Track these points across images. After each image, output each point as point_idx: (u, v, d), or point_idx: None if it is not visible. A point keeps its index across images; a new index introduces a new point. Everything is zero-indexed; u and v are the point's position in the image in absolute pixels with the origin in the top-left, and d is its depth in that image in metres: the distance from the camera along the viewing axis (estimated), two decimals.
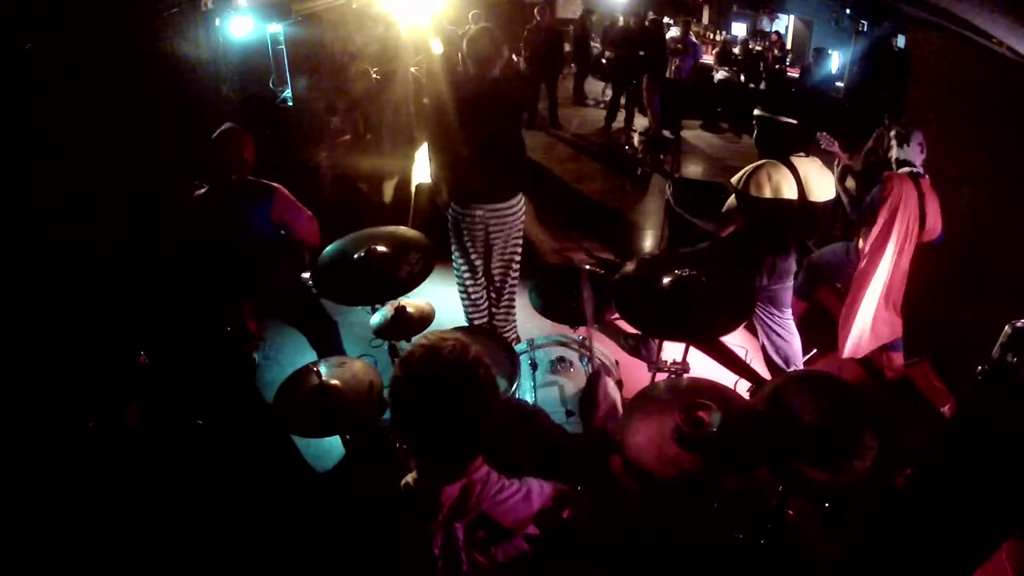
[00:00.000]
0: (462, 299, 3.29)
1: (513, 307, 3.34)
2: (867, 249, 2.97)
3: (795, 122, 2.60)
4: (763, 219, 2.64)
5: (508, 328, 3.36)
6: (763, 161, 2.62)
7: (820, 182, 2.61)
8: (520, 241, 3.14)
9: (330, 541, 2.27)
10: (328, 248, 2.45)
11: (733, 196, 2.68)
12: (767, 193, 2.56)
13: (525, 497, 1.13)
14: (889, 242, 2.91)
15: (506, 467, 1.16)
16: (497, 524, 1.09)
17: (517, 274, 3.22)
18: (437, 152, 2.97)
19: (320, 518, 2.39)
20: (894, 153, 2.96)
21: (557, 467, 2.20)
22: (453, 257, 3.16)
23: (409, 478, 1.15)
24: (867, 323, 3.06)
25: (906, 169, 2.91)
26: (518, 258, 3.18)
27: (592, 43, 9.23)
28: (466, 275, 3.17)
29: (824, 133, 3.05)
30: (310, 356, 2.83)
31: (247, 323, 3.40)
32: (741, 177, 2.64)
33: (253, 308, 3.37)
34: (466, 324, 3.28)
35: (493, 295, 3.29)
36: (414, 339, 2.50)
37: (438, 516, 1.08)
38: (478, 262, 3.12)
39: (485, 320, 3.34)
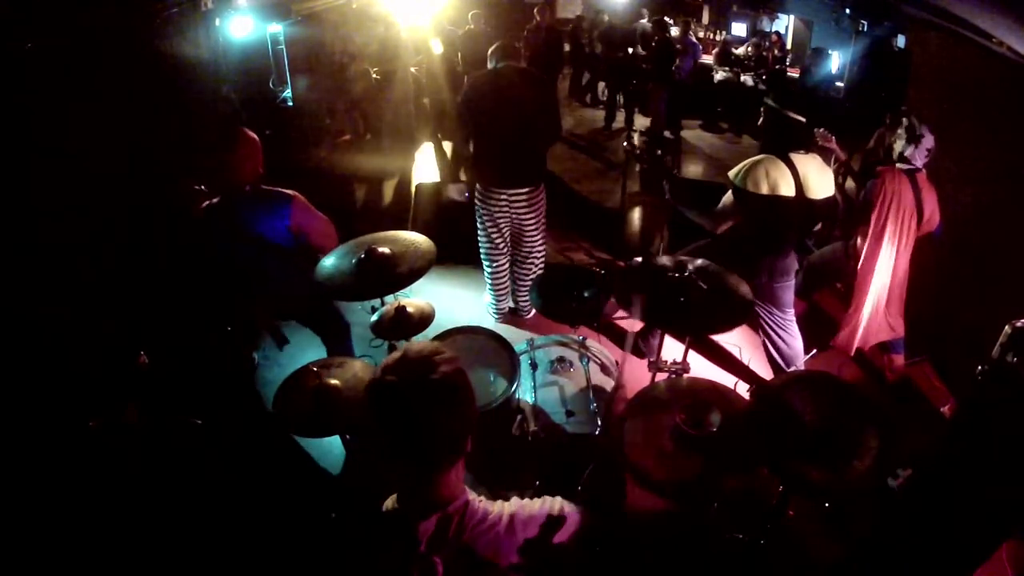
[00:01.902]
0: (486, 271, 3.69)
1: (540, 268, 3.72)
2: (864, 247, 2.96)
3: (804, 120, 2.58)
4: (760, 216, 2.62)
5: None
6: (761, 157, 2.60)
7: (819, 179, 2.59)
8: (544, 222, 3.52)
9: (327, 545, 2.27)
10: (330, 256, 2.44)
11: (730, 192, 2.66)
12: (764, 190, 2.54)
13: (508, 528, 1.11)
14: (884, 239, 2.89)
15: (508, 470, 1.15)
16: (480, 557, 1.07)
17: (543, 251, 3.67)
18: (474, 139, 3.31)
19: (318, 521, 2.39)
20: (898, 146, 2.89)
21: (557, 469, 2.20)
22: (479, 232, 3.56)
23: (390, 502, 1.14)
24: (868, 321, 3.06)
25: (902, 165, 2.88)
26: (544, 238, 3.61)
27: (586, 44, 9.17)
28: (489, 250, 3.57)
29: (821, 129, 3.02)
30: (310, 356, 2.82)
31: (258, 324, 3.37)
32: (739, 172, 2.62)
33: (268, 308, 3.31)
34: (464, 324, 3.28)
35: (520, 260, 3.66)
36: (414, 339, 2.50)
37: (416, 550, 1.06)
38: (501, 239, 3.52)
39: (506, 290, 3.76)
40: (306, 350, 2.96)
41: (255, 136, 2.47)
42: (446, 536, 1.07)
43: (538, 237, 3.56)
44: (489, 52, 3.23)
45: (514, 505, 1.16)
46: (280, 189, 2.49)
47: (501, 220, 3.42)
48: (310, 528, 2.35)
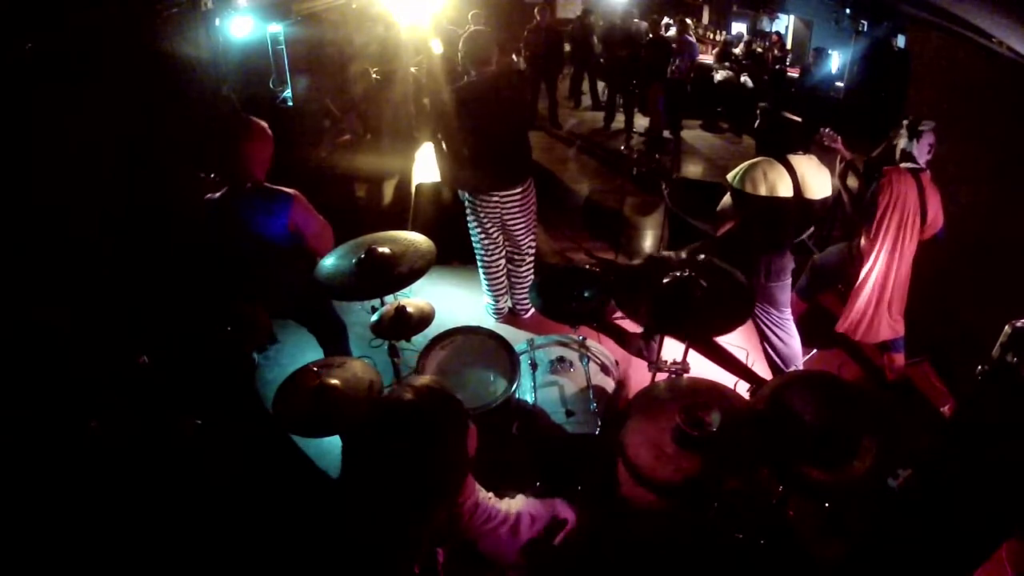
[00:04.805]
0: (482, 273, 3.68)
1: (531, 274, 3.75)
2: (867, 246, 2.96)
3: (799, 120, 2.59)
4: (758, 217, 2.63)
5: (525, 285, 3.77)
6: (759, 159, 2.61)
7: (816, 179, 2.60)
8: (535, 219, 3.54)
9: (327, 543, 2.26)
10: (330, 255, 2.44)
11: (728, 194, 2.67)
12: (763, 191, 2.55)
13: (512, 530, 1.12)
14: (888, 238, 2.90)
15: (508, 470, 1.15)
16: (481, 553, 1.10)
17: (534, 248, 3.68)
18: (450, 148, 3.24)
19: (318, 520, 2.38)
20: (901, 144, 2.91)
21: (557, 469, 2.20)
22: (472, 237, 3.55)
23: None
24: (866, 316, 3.06)
25: (907, 164, 2.88)
26: (534, 236, 3.62)
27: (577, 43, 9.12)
28: (484, 253, 3.56)
29: (827, 130, 3.03)
30: (310, 356, 2.82)
31: (261, 320, 3.35)
32: (736, 174, 2.63)
33: (264, 307, 3.28)
34: (466, 324, 3.28)
35: (515, 261, 3.68)
36: (414, 339, 2.50)
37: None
38: (493, 243, 3.52)
39: (504, 289, 3.76)
40: (306, 350, 2.96)
41: (267, 130, 2.46)
42: (453, 530, 1.08)
43: (530, 236, 3.57)
44: (461, 45, 3.06)
45: (520, 503, 1.17)
46: (282, 188, 2.49)
47: (492, 223, 3.42)
48: (310, 526, 2.35)
